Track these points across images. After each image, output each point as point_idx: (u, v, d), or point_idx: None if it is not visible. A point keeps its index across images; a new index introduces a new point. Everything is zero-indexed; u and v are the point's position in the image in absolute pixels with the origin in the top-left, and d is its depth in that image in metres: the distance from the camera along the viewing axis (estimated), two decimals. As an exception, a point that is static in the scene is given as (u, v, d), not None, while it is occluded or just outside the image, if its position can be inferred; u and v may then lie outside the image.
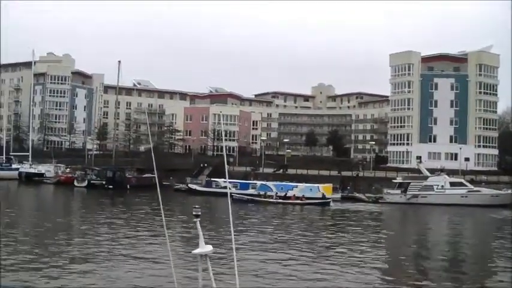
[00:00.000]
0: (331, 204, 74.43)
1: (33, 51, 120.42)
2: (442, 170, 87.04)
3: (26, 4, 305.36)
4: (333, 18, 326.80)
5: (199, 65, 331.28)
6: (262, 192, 78.14)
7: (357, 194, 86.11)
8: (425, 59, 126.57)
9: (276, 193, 77.98)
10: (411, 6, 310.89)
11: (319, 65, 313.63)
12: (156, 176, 11.95)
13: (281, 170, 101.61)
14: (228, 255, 27.92)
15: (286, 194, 78.06)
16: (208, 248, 10.17)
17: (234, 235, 14.00)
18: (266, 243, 40.20)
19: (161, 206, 11.73)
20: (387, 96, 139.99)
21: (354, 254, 37.06)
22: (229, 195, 13.91)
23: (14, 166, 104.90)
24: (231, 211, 12.05)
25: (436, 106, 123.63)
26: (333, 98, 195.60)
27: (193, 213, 10.31)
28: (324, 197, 76.64)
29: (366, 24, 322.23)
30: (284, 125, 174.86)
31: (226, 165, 18.04)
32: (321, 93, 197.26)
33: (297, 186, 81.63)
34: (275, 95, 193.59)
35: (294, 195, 76.86)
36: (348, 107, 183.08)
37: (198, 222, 10.26)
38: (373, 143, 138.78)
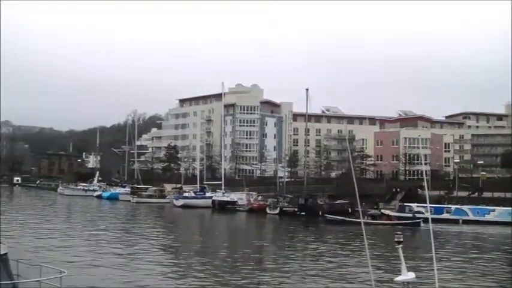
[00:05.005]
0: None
1: (222, 84, 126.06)
2: None
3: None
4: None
5: (387, 89, 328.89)
6: (457, 217, 76.00)
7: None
8: None
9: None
10: None
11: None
12: (358, 202, 11.80)
13: (476, 193, 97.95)
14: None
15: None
16: (411, 275, 9.93)
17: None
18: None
19: (364, 234, 11.52)
20: None
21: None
22: (430, 221, 13.59)
23: (207, 195, 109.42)
24: (432, 238, 11.68)
25: None
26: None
27: (395, 239, 10.11)
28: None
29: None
30: (477, 147, 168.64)
31: (426, 190, 17.77)
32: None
33: (494, 210, 78.86)
34: (466, 115, 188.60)
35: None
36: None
37: (400, 248, 10.04)
38: None
